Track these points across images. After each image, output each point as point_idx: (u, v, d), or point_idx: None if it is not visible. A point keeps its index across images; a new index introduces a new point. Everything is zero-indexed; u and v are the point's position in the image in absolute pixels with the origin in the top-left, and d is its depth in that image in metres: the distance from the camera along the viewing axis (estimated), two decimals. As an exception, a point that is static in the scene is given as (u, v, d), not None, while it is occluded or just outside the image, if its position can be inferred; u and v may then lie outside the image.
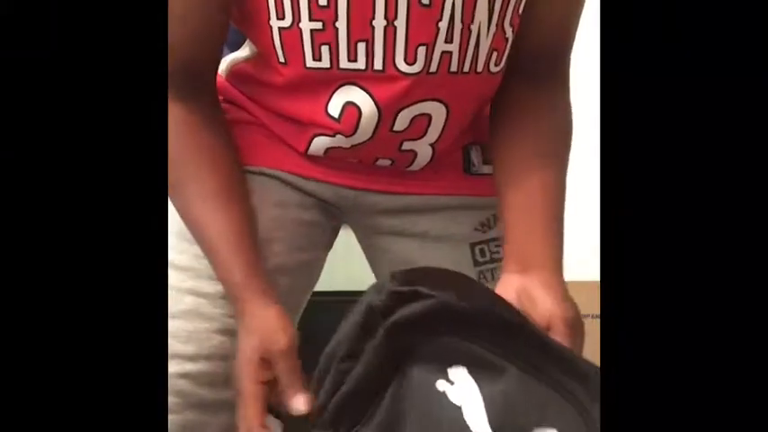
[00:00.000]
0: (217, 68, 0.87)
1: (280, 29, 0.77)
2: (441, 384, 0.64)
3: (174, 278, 0.84)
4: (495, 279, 0.87)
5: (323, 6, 0.75)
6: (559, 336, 0.69)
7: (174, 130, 0.79)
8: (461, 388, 0.63)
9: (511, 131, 0.85)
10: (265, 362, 0.75)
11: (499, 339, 0.63)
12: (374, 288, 0.66)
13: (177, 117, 0.80)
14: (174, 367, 0.82)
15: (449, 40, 0.78)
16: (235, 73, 0.89)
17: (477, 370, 0.63)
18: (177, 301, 0.84)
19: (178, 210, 0.82)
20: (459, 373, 0.64)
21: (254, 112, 0.89)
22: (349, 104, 0.81)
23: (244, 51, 0.88)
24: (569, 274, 0.79)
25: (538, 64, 0.86)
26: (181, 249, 0.85)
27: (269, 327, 0.76)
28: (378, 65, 0.78)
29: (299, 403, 0.73)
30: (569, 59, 0.88)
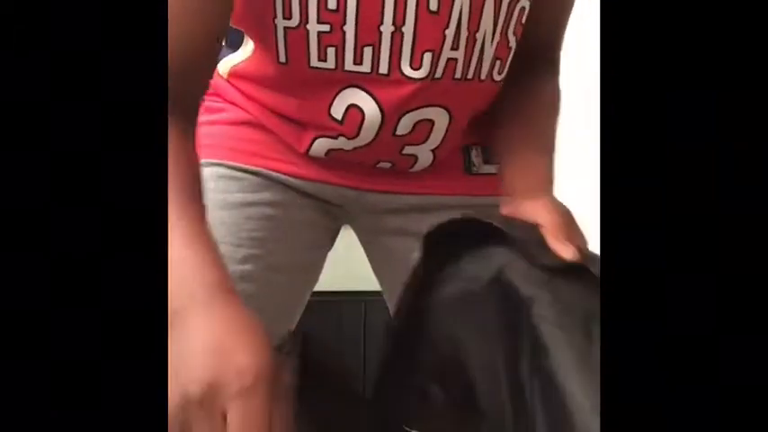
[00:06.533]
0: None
1: (285, 28, 0.77)
2: None
3: None
4: None
5: (332, 10, 0.74)
6: (551, 237, 0.68)
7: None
8: None
9: (507, 108, 0.87)
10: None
11: None
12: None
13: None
14: None
15: (455, 47, 0.79)
16: (235, 73, 0.89)
17: None
18: None
19: None
20: None
21: (254, 112, 0.88)
22: (352, 107, 0.81)
23: (243, 51, 0.88)
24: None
25: (532, 55, 0.88)
26: None
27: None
28: (383, 69, 0.78)
29: None
30: (560, 49, 0.93)
